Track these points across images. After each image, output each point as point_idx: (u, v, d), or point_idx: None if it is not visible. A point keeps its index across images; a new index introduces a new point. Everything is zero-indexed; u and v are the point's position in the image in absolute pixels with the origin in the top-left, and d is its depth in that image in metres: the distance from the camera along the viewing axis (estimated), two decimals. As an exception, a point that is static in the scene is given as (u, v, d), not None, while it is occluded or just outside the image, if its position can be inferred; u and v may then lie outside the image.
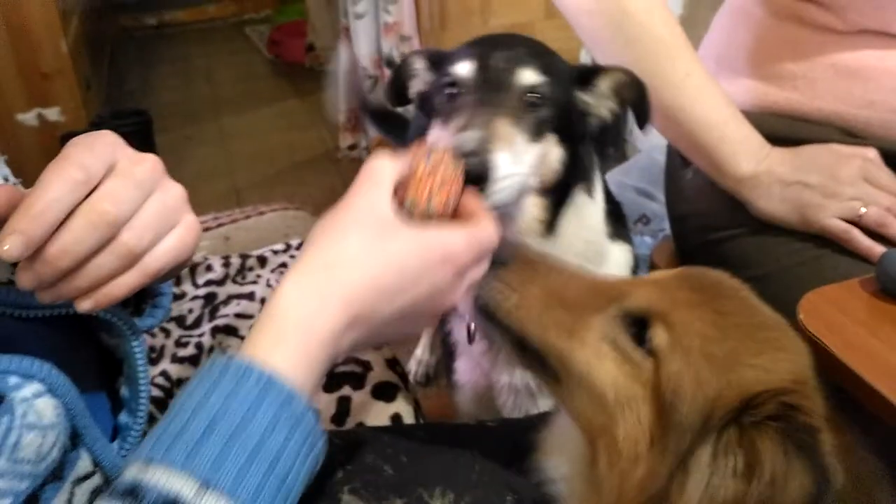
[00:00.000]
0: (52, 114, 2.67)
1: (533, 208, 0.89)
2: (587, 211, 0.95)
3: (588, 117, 0.92)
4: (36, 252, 0.49)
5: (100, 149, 0.53)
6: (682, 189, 1.15)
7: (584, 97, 0.91)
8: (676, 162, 1.17)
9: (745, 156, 0.97)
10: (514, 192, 0.79)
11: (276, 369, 0.49)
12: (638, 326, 0.59)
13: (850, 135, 1.00)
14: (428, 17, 2.52)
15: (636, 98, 0.90)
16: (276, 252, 1.16)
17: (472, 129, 0.77)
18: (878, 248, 0.87)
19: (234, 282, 1.10)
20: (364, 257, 0.54)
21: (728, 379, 0.55)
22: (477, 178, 0.72)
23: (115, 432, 0.66)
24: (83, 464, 0.58)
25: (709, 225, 1.07)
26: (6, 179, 0.67)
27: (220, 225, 1.33)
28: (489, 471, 0.69)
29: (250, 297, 1.06)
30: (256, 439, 0.46)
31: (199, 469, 0.44)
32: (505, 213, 0.84)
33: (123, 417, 0.66)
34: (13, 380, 0.52)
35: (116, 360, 0.67)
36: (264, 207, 1.40)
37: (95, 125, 2.70)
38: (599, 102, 0.91)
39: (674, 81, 0.97)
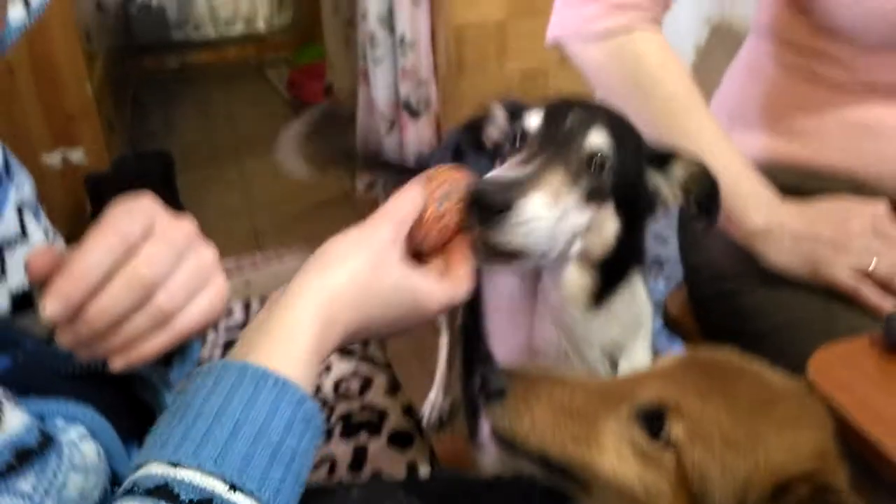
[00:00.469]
0: (76, 155, 2.71)
1: (579, 276, 0.84)
2: (639, 289, 0.92)
3: (656, 198, 0.87)
4: (75, 313, 0.52)
5: (138, 214, 0.56)
6: (695, 239, 1.17)
7: (656, 178, 0.86)
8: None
9: (757, 209, 0.98)
10: (537, 239, 0.73)
11: (286, 374, 0.53)
12: (653, 421, 0.60)
13: (860, 189, 1.01)
14: (445, 63, 2.56)
15: (706, 193, 0.86)
16: (294, 298, 1.18)
17: (512, 171, 0.76)
18: (887, 303, 0.87)
19: (254, 328, 1.12)
20: (360, 297, 0.60)
21: (755, 461, 0.55)
22: (492, 209, 0.70)
23: None
24: None
25: (721, 275, 1.08)
26: (46, 234, 0.70)
27: (240, 270, 1.36)
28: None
29: (269, 343, 1.07)
30: (276, 441, 0.50)
31: (229, 471, 0.47)
32: (545, 272, 0.83)
33: None
34: (60, 422, 0.56)
35: (149, 411, 0.69)
36: (284, 252, 1.42)
37: (118, 167, 2.75)
38: (670, 187, 0.86)
39: (687, 136, 0.98)
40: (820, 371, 0.71)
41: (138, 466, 0.48)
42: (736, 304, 1.04)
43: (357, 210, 2.93)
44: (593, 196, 0.79)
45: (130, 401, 0.69)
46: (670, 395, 0.61)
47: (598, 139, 0.81)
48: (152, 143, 3.59)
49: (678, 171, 0.86)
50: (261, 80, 4.67)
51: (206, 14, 5.15)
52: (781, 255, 0.96)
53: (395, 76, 2.67)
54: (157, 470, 0.47)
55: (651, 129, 0.92)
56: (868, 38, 0.96)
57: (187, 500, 0.46)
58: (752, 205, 0.98)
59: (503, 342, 0.91)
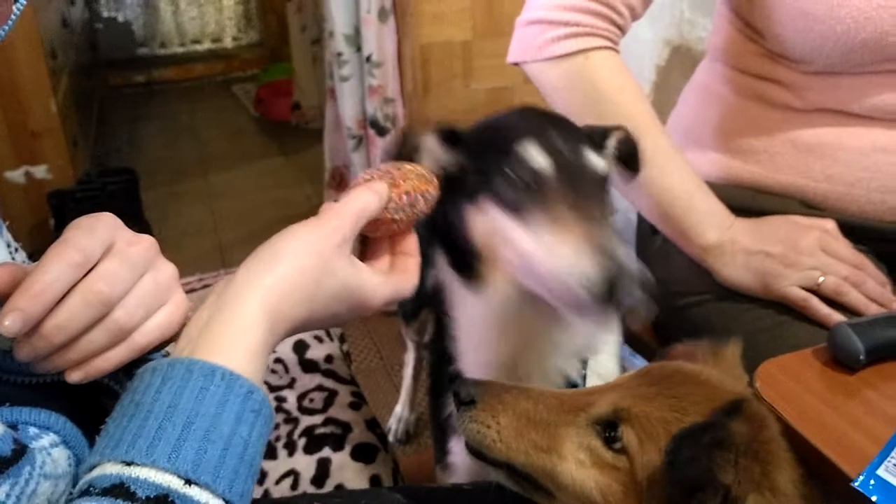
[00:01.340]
0: (40, 171, 2.69)
1: None
2: None
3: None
4: (33, 327, 0.52)
5: (99, 231, 0.57)
6: (651, 255, 1.19)
7: (602, 158, 0.86)
8: (646, 228, 1.21)
9: (711, 225, 1.02)
10: None
11: (233, 368, 0.53)
12: (609, 429, 0.63)
13: (809, 207, 1.05)
14: (411, 81, 2.59)
15: (629, 151, 0.90)
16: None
17: (608, 245, 0.72)
18: (835, 316, 0.91)
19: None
20: (303, 291, 0.60)
21: None
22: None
23: None
24: None
25: (676, 291, 1.10)
26: (9, 246, 0.70)
27: (205, 286, 1.36)
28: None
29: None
30: (227, 433, 0.50)
31: (183, 466, 0.48)
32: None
33: None
34: (33, 430, 0.57)
35: None
36: (249, 269, 1.43)
37: (83, 183, 2.73)
38: (607, 160, 0.86)
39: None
40: (765, 382, 0.74)
41: (92, 466, 0.49)
42: (689, 319, 1.07)
43: (324, 227, 2.93)
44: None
45: (97, 409, 0.69)
46: (623, 403, 0.64)
47: (598, 162, 0.81)
48: (117, 159, 3.58)
49: (611, 143, 0.88)
50: (228, 96, 4.67)
51: (172, 31, 5.14)
52: (734, 270, 1.00)
53: (363, 94, 2.69)
54: (111, 469, 0.48)
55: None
56: (817, 63, 1.00)
57: (144, 497, 0.46)
58: (705, 221, 1.02)
59: (474, 362, 0.91)
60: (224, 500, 0.49)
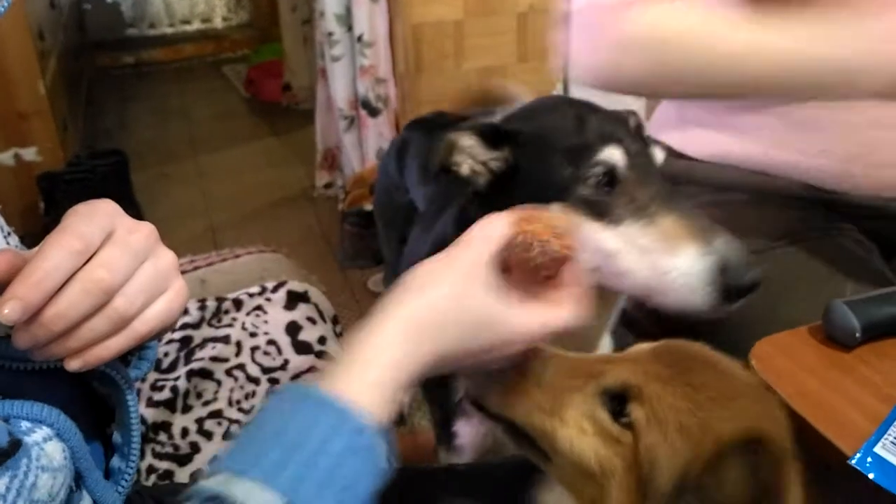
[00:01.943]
0: (29, 154, 2.67)
1: None
2: None
3: None
4: (33, 315, 0.52)
5: (98, 218, 0.56)
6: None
7: None
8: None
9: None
10: None
11: (353, 401, 0.52)
12: (617, 402, 0.62)
13: (808, 186, 1.04)
14: (403, 61, 2.57)
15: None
16: (251, 295, 1.17)
17: (712, 238, 0.73)
18: None
19: (210, 325, 1.11)
20: (449, 321, 0.58)
21: (701, 447, 0.58)
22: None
23: (107, 475, 0.69)
24: None
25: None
26: (2, 229, 0.69)
27: (196, 268, 1.35)
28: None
29: (226, 340, 1.07)
30: (332, 465, 0.50)
31: (282, 487, 0.48)
32: None
33: (116, 461, 0.69)
34: (25, 424, 0.56)
35: (108, 408, 0.70)
36: (240, 250, 1.41)
37: (72, 165, 2.72)
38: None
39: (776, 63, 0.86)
40: (761, 361, 0.73)
41: (209, 475, 0.50)
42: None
43: (316, 208, 2.92)
44: None
45: (90, 397, 0.69)
46: (636, 379, 0.62)
47: (658, 153, 0.81)
48: (107, 140, 3.55)
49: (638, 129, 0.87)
50: (218, 77, 4.63)
51: (161, 11, 5.09)
52: None
53: (354, 74, 2.68)
54: (213, 481, 0.49)
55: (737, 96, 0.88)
56: None
57: None
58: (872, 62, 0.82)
59: None
60: None
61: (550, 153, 0.80)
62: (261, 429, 0.52)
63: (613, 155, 0.77)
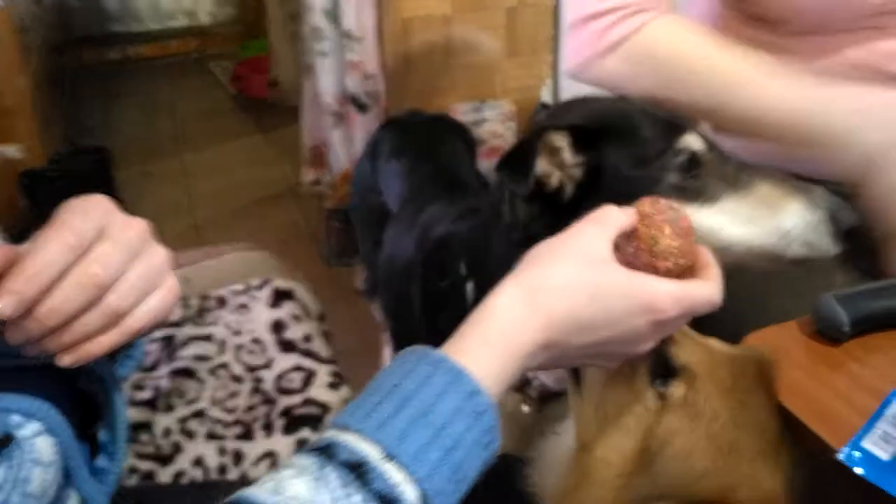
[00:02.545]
0: (11, 151, 2.64)
1: None
2: None
3: None
4: (27, 310, 0.52)
5: (93, 214, 0.56)
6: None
7: None
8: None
9: (873, 126, 0.84)
10: None
11: (468, 367, 0.53)
12: (666, 371, 0.61)
13: (796, 175, 1.03)
14: (392, 57, 2.56)
15: None
16: (235, 293, 1.17)
17: (809, 191, 0.79)
18: None
19: (194, 323, 1.11)
20: (572, 288, 0.57)
21: (716, 467, 0.57)
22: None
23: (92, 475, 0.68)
24: (72, 502, 0.62)
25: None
26: None
27: (179, 266, 1.33)
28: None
29: (209, 338, 1.07)
30: (439, 424, 0.50)
31: (386, 440, 0.49)
32: None
33: (101, 461, 0.69)
34: (16, 418, 0.56)
35: (93, 406, 0.69)
36: (225, 248, 1.40)
37: (53, 162, 2.69)
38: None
39: (748, 100, 0.91)
40: (751, 355, 0.73)
41: (329, 427, 0.52)
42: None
43: (302, 205, 2.91)
44: None
45: (76, 394, 0.68)
46: (697, 367, 0.62)
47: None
48: (91, 137, 3.51)
49: None
50: (204, 73, 4.60)
51: (147, 6, 5.05)
52: None
53: (342, 70, 2.66)
54: (330, 432, 0.51)
55: (710, 112, 0.89)
56: (799, 24, 0.99)
57: (341, 460, 0.48)
58: (863, 122, 0.86)
59: None
60: (419, 487, 0.48)
61: (632, 148, 0.81)
62: (379, 387, 0.53)
63: (693, 140, 0.80)
